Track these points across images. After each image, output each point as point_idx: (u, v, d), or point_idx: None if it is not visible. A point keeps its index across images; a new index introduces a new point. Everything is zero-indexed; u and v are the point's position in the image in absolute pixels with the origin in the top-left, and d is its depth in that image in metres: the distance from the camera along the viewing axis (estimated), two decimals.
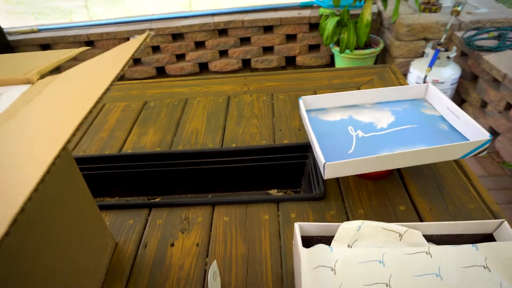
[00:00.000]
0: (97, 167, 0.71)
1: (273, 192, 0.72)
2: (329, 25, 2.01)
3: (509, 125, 1.57)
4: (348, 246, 0.37)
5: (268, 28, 2.34)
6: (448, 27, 1.72)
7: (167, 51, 2.38)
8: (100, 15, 2.92)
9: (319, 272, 0.34)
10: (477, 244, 0.36)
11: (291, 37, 2.36)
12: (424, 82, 1.78)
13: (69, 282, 0.39)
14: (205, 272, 0.47)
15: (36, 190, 0.18)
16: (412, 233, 0.38)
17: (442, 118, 0.61)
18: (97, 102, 0.24)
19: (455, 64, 1.83)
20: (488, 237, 0.40)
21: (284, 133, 0.72)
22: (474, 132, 0.54)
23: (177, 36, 2.36)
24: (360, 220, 0.39)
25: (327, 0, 2.22)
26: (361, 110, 0.65)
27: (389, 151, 0.55)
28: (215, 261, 0.46)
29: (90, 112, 0.23)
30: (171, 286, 0.46)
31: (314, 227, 0.40)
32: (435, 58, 1.72)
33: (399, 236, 0.38)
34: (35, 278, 0.34)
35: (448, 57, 1.76)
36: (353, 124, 0.61)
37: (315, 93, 0.86)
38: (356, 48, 2.04)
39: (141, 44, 0.31)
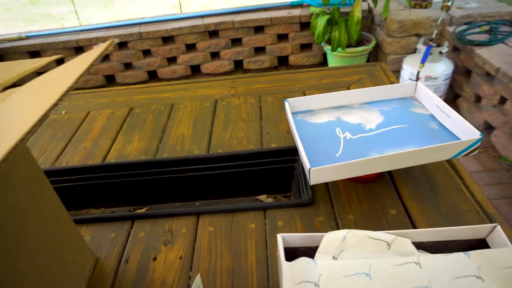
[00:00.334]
0: (80, 178, 0.69)
1: (263, 197, 0.70)
2: (320, 23, 1.99)
3: (504, 118, 1.55)
4: (333, 258, 0.35)
5: (259, 29, 2.31)
6: (439, 22, 1.71)
7: (158, 55, 2.35)
8: (90, 20, 2.89)
9: None
10: (469, 252, 0.34)
11: (282, 37, 2.34)
12: (417, 78, 1.77)
13: None
14: (188, 286, 0.45)
15: None
16: (400, 241, 0.36)
17: (432, 117, 0.59)
18: (45, 116, 0.22)
19: (448, 59, 1.82)
20: (481, 242, 0.39)
21: (272, 137, 0.70)
22: (465, 130, 0.52)
23: (167, 39, 2.34)
24: (346, 230, 0.37)
25: None
26: (350, 110, 0.63)
27: (378, 153, 0.53)
28: (198, 275, 0.44)
29: (35, 126, 0.21)
30: None
31: (298, 238, 0.38)
32: (427, 54, 1.71)
33: (387, 245, 0.36)
34: None
35: (440, 53, 1.74)
36: (341, 126, 0.59)
37: (304, 94, 0.84)
38: (348, 46, 2.02)
39: (102, 53, 0.29)
